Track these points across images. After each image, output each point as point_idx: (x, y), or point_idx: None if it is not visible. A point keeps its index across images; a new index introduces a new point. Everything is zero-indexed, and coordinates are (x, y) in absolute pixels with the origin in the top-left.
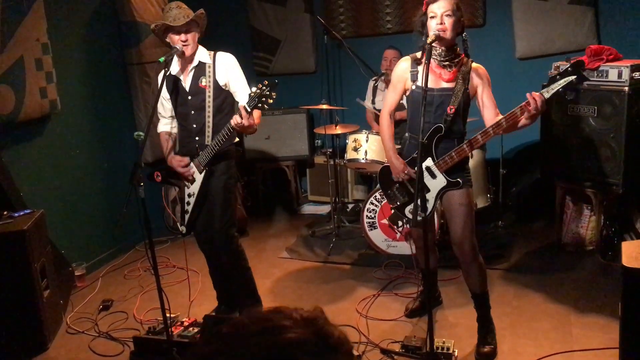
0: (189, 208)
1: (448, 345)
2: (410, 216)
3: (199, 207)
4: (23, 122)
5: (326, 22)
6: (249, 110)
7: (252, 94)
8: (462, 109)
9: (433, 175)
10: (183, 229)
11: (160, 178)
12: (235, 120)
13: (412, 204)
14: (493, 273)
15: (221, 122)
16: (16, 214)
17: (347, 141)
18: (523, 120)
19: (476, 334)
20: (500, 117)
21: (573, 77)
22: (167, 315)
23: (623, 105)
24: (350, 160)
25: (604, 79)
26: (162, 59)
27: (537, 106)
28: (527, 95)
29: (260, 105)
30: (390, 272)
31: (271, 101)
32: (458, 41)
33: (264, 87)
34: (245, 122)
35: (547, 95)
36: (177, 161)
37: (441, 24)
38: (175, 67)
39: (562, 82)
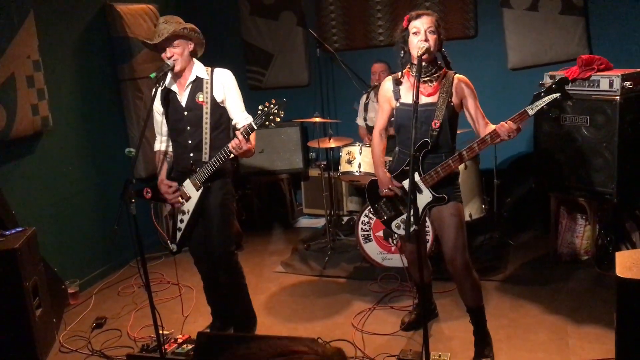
0: (182, 226)
1: (444, 358)
2: (396, 230)
3: (193, 224)
4: (15, 139)
5: (318, 35)
6: (255, 127)
7: (260, 112)
8: (447, 122)
9: (419, 190)
10: (174, 247)
11: (150, 195)
12: (234, 143)
13: (399, 219)
14: (489, 285)
15: (218, 138)
16: (7, 232)
17: (340, 154)
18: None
19: (472, 346)
20: (488, 129)
21: (557, 95)
22: (161, 332)
23: (615, 115)
24: (344, 173)
25: (596, 89)
26: (153, 75)
27: (508, 134)
28: (496, 127)
29: (267, 123)
30: (386, 285)
31: (278, 120)
32: (437, 56)
33: (272, 106)
34: (243, 146)
35: (531, 113)
36: (165, 186)
37: (425, 40)
38: (170, 82)
39: (546, 100)
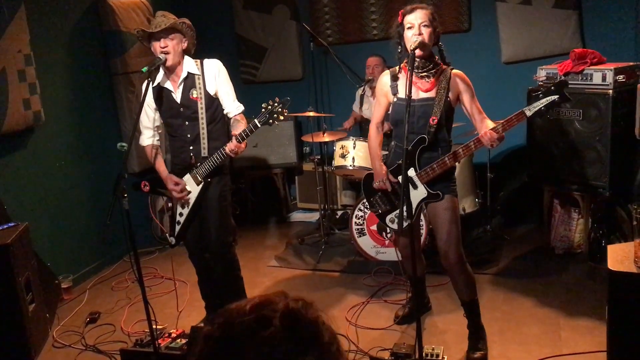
0: (181, 219)
1: (437, 351)
2: (390, 224)
3: (192, 218)
4: (6, 134)
5: (312, 29)
6: (259, 126)
7: (264, 110)
8: (444, 118)
9: (414, 186)
10: (172, 240)
11: (148, 188)
12: (230, 147)
13: (393, 213)
14: (482, 278)
15: (214, 130)
16: None
17: (334, 148)
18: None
19: (466, 340)
20: (484, 125)
21: (555, 97)
22: (155, 327)
23: (608, 108)
24: (338, 167)
25: (589, 82)
26: (144, 69)
27: (489, 142)
28: (480, 135)
29: (270, 121)
30: (379, 279)
31: (282, 118)
32: (434, 51)
33: (276, 104)
34: (239, 150)
35: (528, 114)
36: (172, 183)
37: (419, 34)
38: (163, 79)
39: (544, 102)
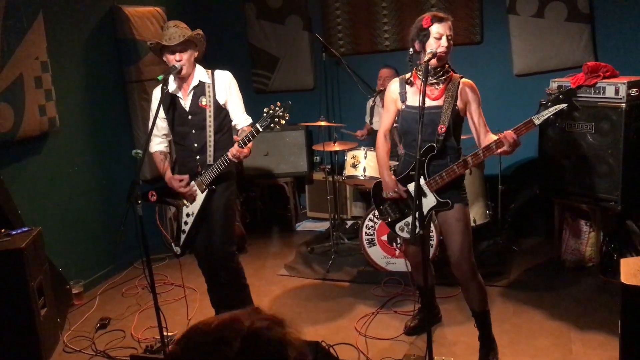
0: (186, 228)
1: None
2: (399, 233)
3: (198, 227)
4: (22, 139)
5: (325, 39)
6: (261, 130)
7: (265, 114)
8: (452, 126)
9: (424, 194)
10: (177, 249)
11: (155, 197)
12: (232, 152)
13: (402, 221)
14: (492, 290)
15: (221, 140)
16: (14, 232)
17: (345, 158)
18: (500, 151)
19: (476, 351)
20: (488, 138)
21: (564, 106)
22: (165, 333)
23: (620, 122)
24: (348, 177)
25: (601, 96)
26: (160, 77)
27: (511, 144)
28: (499, 135)
29: (272, 125)
30: (389, 290)
31: (283, 122)
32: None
33: (277, 108)
34: (241, 155)
35: (537, 122)
36: (176, 181)
37: (447, 46)
38: (173, 86)
39: (553, 110)
